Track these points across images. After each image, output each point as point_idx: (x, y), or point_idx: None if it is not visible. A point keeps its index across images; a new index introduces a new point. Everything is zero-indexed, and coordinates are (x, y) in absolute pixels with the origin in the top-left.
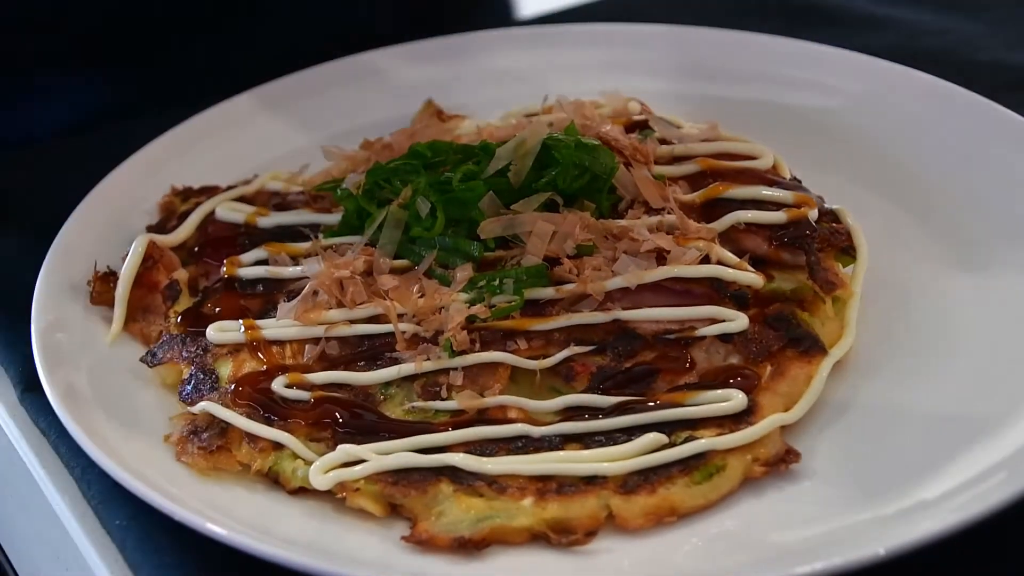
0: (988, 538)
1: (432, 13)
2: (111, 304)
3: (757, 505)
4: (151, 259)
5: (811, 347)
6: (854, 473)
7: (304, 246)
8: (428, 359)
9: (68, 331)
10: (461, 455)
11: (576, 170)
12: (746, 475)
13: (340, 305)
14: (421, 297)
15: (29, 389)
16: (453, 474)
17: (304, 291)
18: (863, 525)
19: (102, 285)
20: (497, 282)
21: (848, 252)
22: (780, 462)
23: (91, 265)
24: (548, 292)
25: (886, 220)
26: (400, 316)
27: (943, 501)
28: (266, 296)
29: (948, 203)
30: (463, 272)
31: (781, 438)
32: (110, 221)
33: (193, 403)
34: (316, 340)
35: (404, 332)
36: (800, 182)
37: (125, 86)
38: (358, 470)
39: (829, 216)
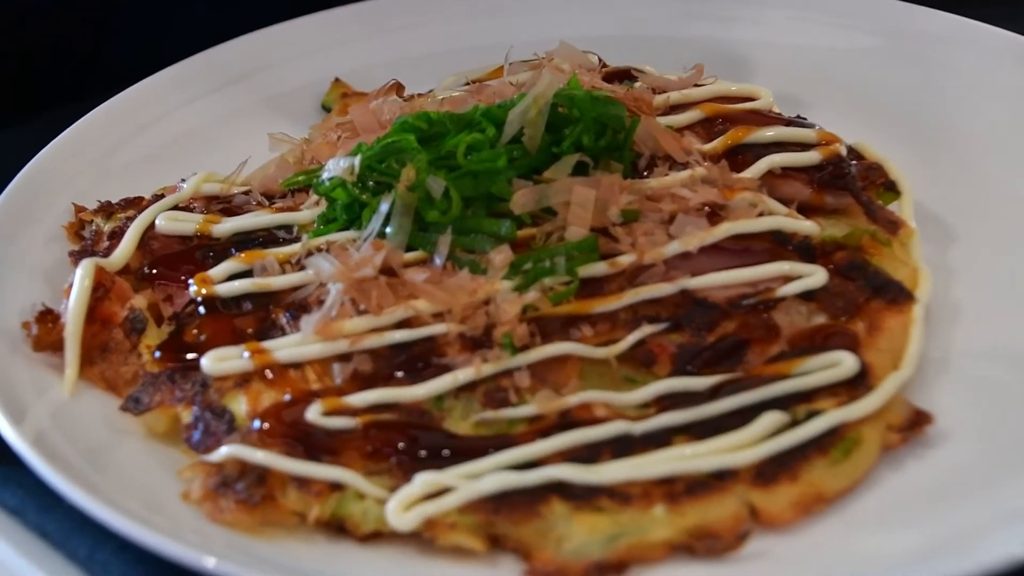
0: None
1: None
2: (58, 348)
3: (899, 479)
4: (102, 288)
5: (898, 295)
6: (988, 430)
7: (286, 251)
8: (486, 361)
9: (17, 386)
10: (566, 466)
11: (596, 126)
12: (884, 445)
13: (361, 312)
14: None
15: None
16: (563, 490)
17: (329, 299)
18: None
19: (43, 327)
20: (546, 262)
21: (890, 188)
22: (915, 426)
23: (17, 307)
24: (601, 267)
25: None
26: (436, 316)
27: None
28: (259, 313)
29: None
30: (501, 256)
31: (906, 399)
32: (16, 254)
33: (209, 450)
34: (343, 357)
35: (447, 333)
36: (805, 119)
37: None
38: (449, 501)
39: (851, 153)
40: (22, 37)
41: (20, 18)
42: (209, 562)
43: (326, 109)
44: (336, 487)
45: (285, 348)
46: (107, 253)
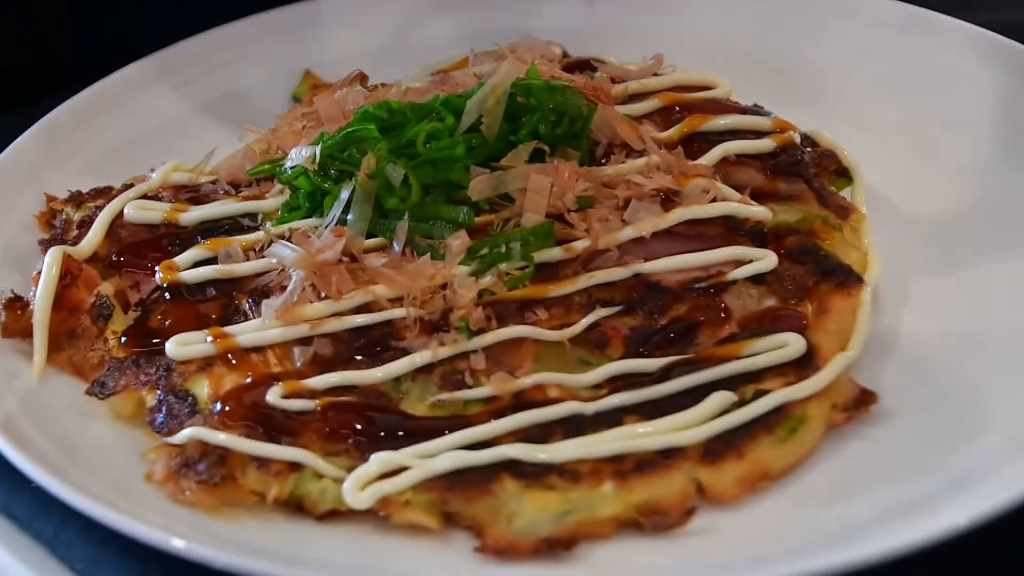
0: None
1: None
2: (27, 334)
3: (843, 456)
4: (69, 275)
5: (847, 278)
6: (931, 410)
7: (250, 238)
8: (443, 344)
9: None
10: (519, 446)
11: (553, 115)
12: (828, 424)
13: (322, 298)
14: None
15: None
16: (514, 468)
17: (292, 284)
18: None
19: (12, 314)
20: (502, 248)
21: (843, 174)
22: (860, 405)
23: None
24: (556, 252)
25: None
26: (394, 300)
27: None
28: (223, 299)
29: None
30: (458, 241)
31: (851, 379)
32: None
33: (172, 432)
34: (303, 341)
35: (405, 317)
36: (762, 108)
37: None
38: (404, 479)
39: (806, 140)
40: None
41: None
42: (171, 541)
43: (297, 101)
44: (295, 467)
45: (247, 333)
46: (76, 241)
